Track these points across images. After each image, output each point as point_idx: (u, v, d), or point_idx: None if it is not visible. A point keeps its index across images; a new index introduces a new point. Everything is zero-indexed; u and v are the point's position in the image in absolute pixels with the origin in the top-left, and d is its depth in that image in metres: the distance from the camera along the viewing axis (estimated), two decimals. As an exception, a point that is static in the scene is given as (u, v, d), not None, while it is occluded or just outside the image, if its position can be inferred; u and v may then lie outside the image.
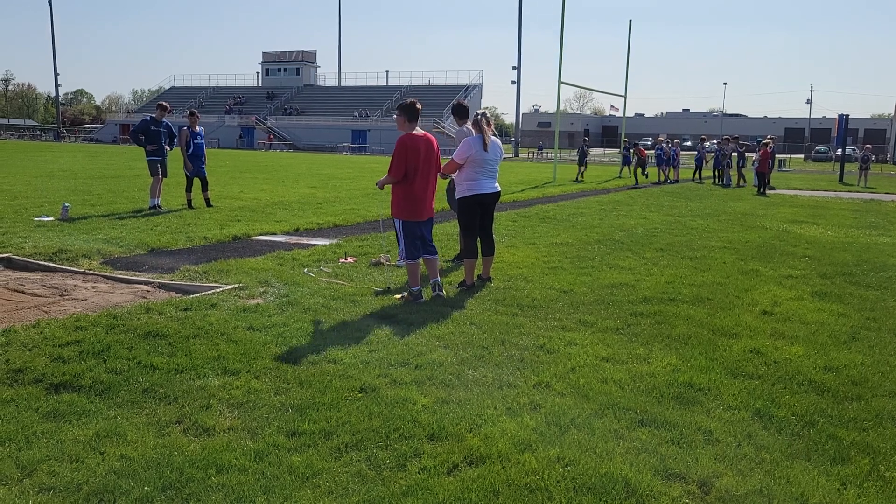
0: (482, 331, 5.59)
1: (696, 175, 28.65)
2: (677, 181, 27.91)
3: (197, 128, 13.28)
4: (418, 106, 6.50)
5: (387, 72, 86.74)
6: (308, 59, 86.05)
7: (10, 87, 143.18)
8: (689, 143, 68.06)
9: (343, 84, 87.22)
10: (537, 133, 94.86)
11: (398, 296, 6.62)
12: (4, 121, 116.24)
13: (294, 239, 10.23)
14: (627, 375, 4.67)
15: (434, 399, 4.19)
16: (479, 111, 7.15)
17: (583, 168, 29.36)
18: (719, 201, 18.82)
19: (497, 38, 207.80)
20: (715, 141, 27.69)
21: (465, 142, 7.04)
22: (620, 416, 4.01)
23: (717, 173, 27.10)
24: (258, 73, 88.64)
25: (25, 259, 8.08)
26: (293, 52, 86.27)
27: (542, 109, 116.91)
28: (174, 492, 3.11)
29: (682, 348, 5.29)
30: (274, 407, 4.03)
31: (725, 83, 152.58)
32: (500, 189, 7.33)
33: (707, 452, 3.60)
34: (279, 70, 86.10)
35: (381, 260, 8.23)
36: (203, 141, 13.45)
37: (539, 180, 27.25)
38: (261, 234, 10.47)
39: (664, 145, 28.40)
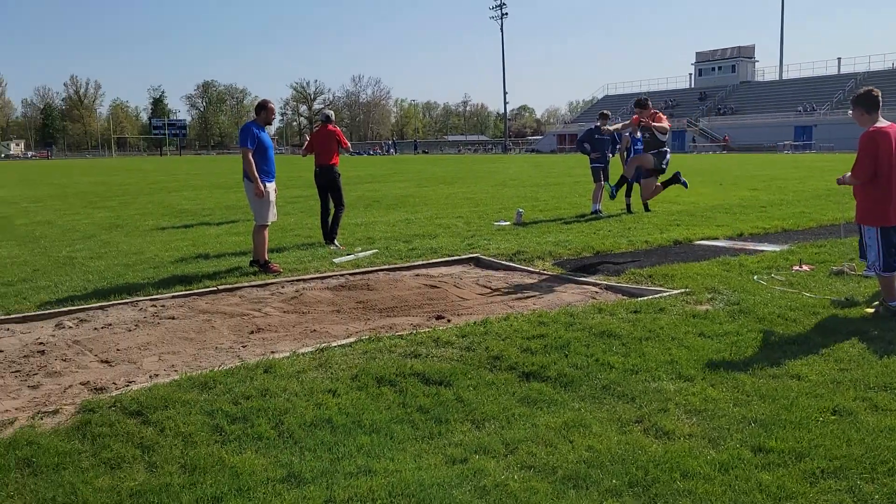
0: None
1: None
2: None
3: (639, 134, 13.57)
4: (875, 93, 5.72)
5: (838, 59, 77.92)
6: (745, 54, 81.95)
7: (468, 108, 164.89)
8: None
9: (784, 77, 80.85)
10: None
11: (869, 309, 5.85)
12: (462, 137, 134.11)
13: (739, 244, 9.77)
14: None
15: (930, 433, 3.58)
16: None
17: None
18: None
19: None
20: None
21: None
22: None
23: None
24: (690, 74, 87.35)
25: (490, 259, 9.15)
26: (728, 48, 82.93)
27: None
28: (641, 489, 3.19)
29: None
30: (734, 418, 3.87)
31: None
32: None
33: None
34: (713, 69, 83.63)
35: (844, 269, 7.37)
36: (642, 147, 13.67)
37: None
38: (702, 239, 10.24)
39: None
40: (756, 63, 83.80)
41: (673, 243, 9.96)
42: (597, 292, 7.23)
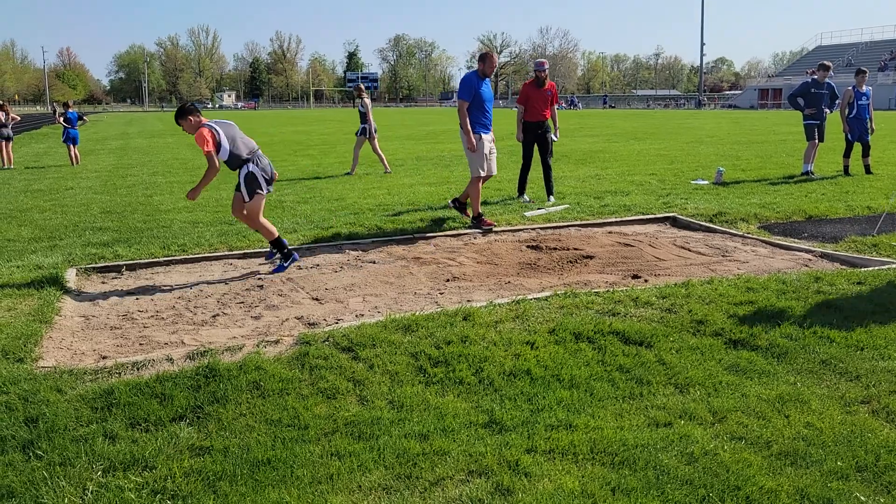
0: None
1: None
2: None
3: (863, 87, 12.25)
4: None
5: None
6: None
7: (660, 61, 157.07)
8: None
9: None
10: None
11: None
12: (652, 92, 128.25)
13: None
14: None
15: None
16: None
17: None
18: None
19: None
20: None
21: None
22: None
23: None
24: (923, 21, 77.23)
25: (688, 219, 8.71)
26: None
27: None
28: (871, 475, 2.92)
29: None
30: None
31: None
32: None
33: None
34: (951, 15, 73.31)
35: None
36: (868, 102, 12.33)
37: None
38: (937, 207, 9.11)
39: None
40: None
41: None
42: (810, 259, 6.68)
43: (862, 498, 2.77)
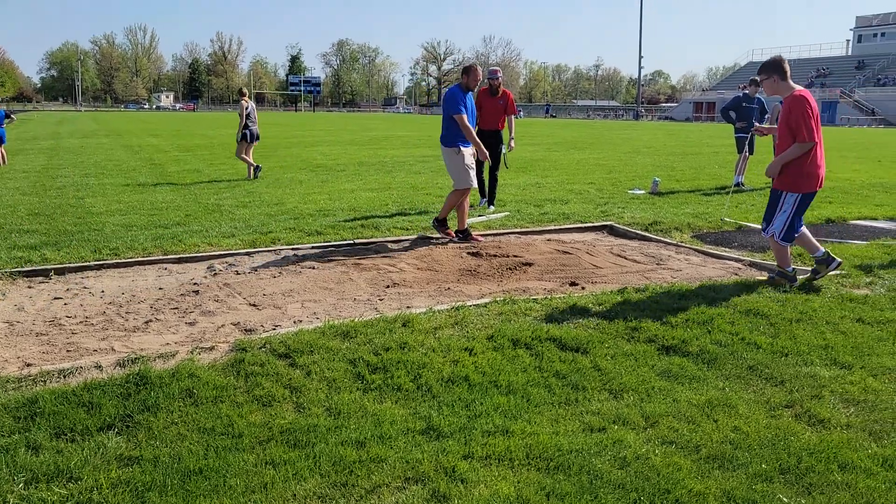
0: None
1: None
2: None
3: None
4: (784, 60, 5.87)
5: None
6: (914, 20, 74.91)
7: (600, 73, 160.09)
8: None
9: (957, 46, 73.45)
10: None
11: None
12: (592, 102, 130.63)
13: (899, 226, 9.03)
14: None
15: None
16: None
17: None
18: None
19: None
20: None
21: None
22: None
23: None
24: (848, 40, 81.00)
25: (625, 227, 8.90)
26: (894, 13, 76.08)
27: None
28: (793, 477, 3.03)
29: None
30: (898, 412, 3.60)
31: None
32: None
33: None
34: (874, 35, 77.04)
35: None
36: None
37: None
38: (858, 219, 9.53)
39: None
40: (926, 30, 76.71)
41: (825, 222, 9.33)
42: (739, 268, 6.90)
43: (784, 499, 2.87)
